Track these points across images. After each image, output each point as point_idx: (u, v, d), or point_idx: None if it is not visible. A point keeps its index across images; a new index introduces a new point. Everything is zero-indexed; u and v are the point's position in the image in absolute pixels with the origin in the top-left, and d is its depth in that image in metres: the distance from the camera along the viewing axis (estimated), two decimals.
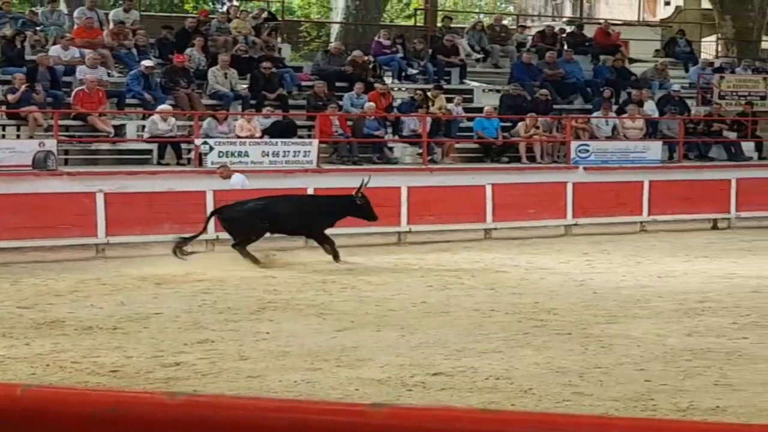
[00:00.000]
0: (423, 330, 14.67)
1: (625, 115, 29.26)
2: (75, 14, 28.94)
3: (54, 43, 27.25)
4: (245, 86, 27.66)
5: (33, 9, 31.50)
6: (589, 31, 34.73)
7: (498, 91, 30.46)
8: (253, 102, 27.11)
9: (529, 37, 34.08)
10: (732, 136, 30.57)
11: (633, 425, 2.57)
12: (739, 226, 27.16)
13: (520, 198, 24.83)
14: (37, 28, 28.17)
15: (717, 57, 36.87)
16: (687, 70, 33.77)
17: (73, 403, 2.63)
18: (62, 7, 30.74)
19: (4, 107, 24.74)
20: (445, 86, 29.58)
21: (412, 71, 30.25)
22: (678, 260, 21.84)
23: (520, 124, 27.78)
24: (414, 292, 17.94)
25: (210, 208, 21.23)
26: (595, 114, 29.31)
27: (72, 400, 2.64)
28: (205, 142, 24.16)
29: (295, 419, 2.59)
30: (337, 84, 28.57)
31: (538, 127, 27.85)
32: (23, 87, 23.97)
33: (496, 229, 24.53)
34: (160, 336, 14.37)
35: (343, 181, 23.86)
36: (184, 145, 25.35)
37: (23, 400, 2.55)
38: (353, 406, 2.78)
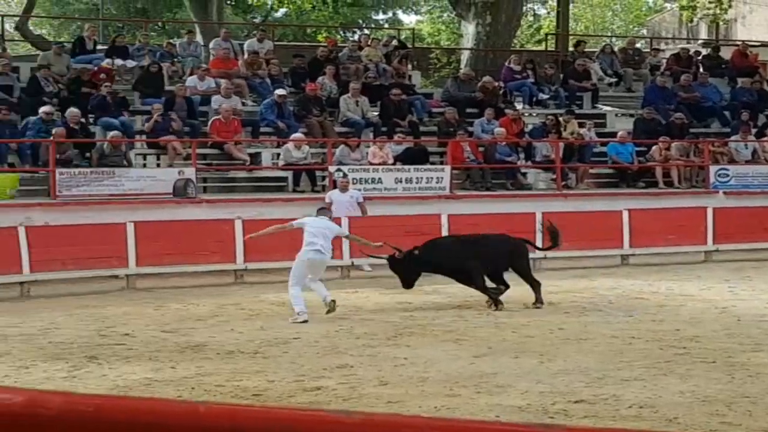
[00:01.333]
0: (562, 357, 14.46)
1: (765, 139, 28.64)
2: (211, 45, 29.45)
3: (191, 74, 27.77)
4: (376, 113, 27.71)
5: (171, 41, 31.93)
6: (726, 53, 34.09)
7: (631, 115, 30.02)
8: (384, 129, 27.12)
9: (663, 60, 33.56)
10: None
11: None
12: None
13: (658, 223, 24.32)
14: (175, 59, 28.73)
15: None
16: None
17: (256, 419, 2.60)
18: (198, 38, 31.24)
19: (144, 137, 25.25)
20: (577, 111, 29.29)
21: (543, 96, 30.04)
22: None
23: (654, 148, 27.34)
24: (551, 318, 17.66)
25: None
26: (733, 137, 28.60)
27: (255, 416, 2.61)
28: (339, 169, 24.26)
29: None
30: (468, 110, 28.47)
31: (669, 150, 27.47)
32: (155, 116, 24.55)
33: (633, 255, 24.07)
34: (299, 360, 14.39)
35: (476, 207, 23.83)
36: (318, 173, 25.45)
37: (206, 417, 2.50)
38: None
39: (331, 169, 24.48)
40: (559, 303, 19.19)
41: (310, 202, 23.73)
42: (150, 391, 12.77)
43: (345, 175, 23.74)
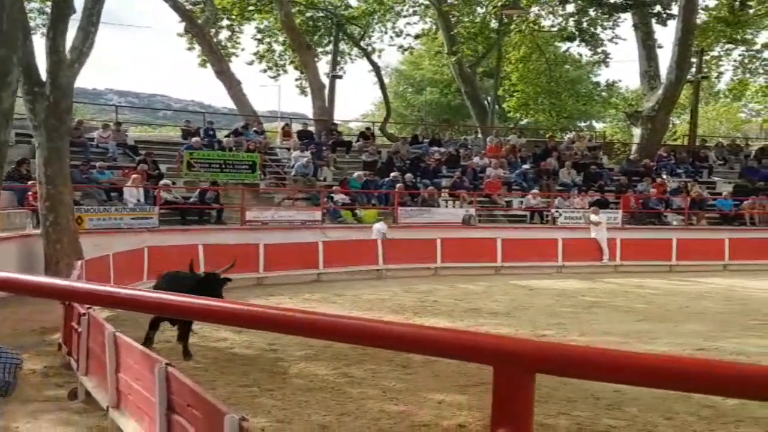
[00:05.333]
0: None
1: None
2: None
3: None
4: (580, 179, 26.72)
5: None
6: None
7: (731, 183, 28.19)
8: (584, 188, 26.00)
9: (752, 151, 31.07)
10: None
11: None
12: None
13: (746, 246, 22.79)
14: None
15: None
16: None
17: None
18: None
19: None
20: (699, 180, 27.72)
21: (679, 171, 28.65)
22: None
23: (746, 202, 25.67)
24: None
25: None
26: None
27: None
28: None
29: None
30: (634, 178, 27.30)
31: (754, 204, 25.64)
32: None
33: (731, 264, 22.45)
34: None
35: (617, 233, 22.78)
36: (545, 212, 24.20)
37: None
38: None
39: (552, 210, 23.95)
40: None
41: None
42: None
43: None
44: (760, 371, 1.38)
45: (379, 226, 20.08)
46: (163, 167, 21.73)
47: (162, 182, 19.97)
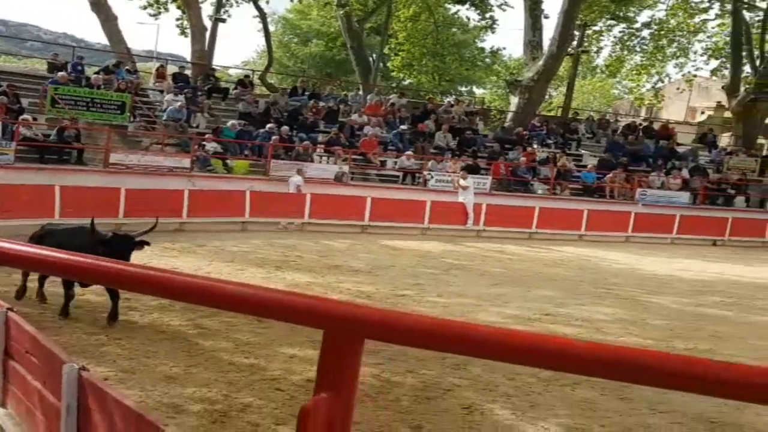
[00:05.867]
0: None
1: (670, 176, 27.92)
2: None
3: None
4: (455, 143, 27.30)
5: None
6: (655, 126, 33.28)
7: (596, 156, 29.47)
8: (458, 153, 26.51)
9: (620, 126, 32.48)
10: (732, 192, 28.68)
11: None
12: (732, 245, 25.59)
13: (604, 218, 24.03)
14: None
15: (728, 146, 34.20)
16: (710, 152, 31.72)
17: None
18: None
19: None
20: (567, 151, 28.71)
21: (549, 141, 29.41)
22: (694, 261, 20.73)
23: (608, 175, 26.74)
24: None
25: None
26: (652, 174, 27.83)
27: None
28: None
29: None
30: (506, 146, 28.02)
31: (616, 177, 26.96)
32: None
33: (586, 234, 23.59)
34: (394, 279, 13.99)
35: (504, 200, 23.58)
36: (417, 174, 24.80)
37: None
38: None
39: (425, 172, 24.30)
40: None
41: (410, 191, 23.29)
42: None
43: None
44: (585, 347, 1.43)
45: (296, 179, 19.91)
46: (25, 101, 20.71)
47: (22, 117, 19.07)
